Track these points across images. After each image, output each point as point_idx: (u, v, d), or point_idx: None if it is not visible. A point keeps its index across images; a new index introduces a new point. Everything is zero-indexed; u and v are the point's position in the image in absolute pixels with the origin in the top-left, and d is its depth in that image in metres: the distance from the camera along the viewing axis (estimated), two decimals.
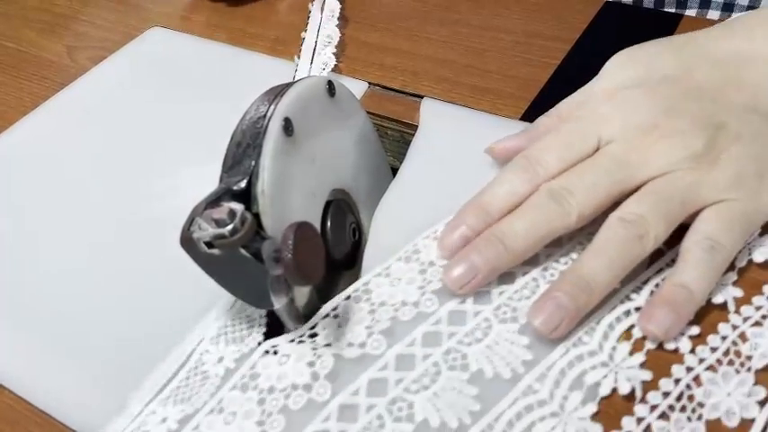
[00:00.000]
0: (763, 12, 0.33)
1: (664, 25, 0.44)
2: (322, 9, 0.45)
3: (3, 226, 0.37)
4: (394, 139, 0.41)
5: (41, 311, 0.33)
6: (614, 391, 0.26)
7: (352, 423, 0.26)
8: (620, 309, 0.28)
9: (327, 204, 0.31)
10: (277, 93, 0.29)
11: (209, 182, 0.27)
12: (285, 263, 0.25)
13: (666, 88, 0.31)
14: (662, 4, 0.57)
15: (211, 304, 0.30)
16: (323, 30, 0.45)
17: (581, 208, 0.28)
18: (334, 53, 0.43)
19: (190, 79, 0.45)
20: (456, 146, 0.36)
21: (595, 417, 0.25)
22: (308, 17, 0.45)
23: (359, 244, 0.33)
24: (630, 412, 0.25)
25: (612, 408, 0.26)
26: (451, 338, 0.28)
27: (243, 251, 0.25)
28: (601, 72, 0.33)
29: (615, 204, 0.29)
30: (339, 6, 0.46)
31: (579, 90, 0.33)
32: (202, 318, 0.30)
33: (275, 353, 0.28)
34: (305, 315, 0.29)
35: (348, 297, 0.29)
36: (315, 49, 0.44)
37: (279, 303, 0.27)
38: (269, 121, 0.28)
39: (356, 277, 0.32)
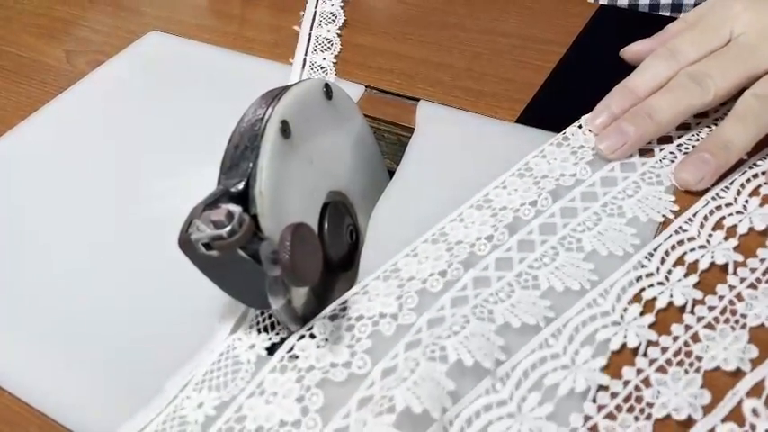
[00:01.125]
0: None
1: (659, 29, 0.45)
2: (315, 12, 0.46)
3: (2, 229, 0.38)
4: (391, 141, 0.42)
5: (40, 313, 0.33)
6: (623, 346, 0.27)
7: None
8: (633, 274, 0.29)
9: (325, 206, 0.32)
10: (274, 96, 0.30)
11: (208, 184, 0.28)
12: (283, 264, 0.25)
13: None
14: (657, 8, 0.58)
15: (212, 305, 0.31)
16: (319, 32, 0.45)
17: (717, 88, 0.33)
18: (333, 60, 0.44)
19: (188, 83, 0.45)
20: (452, 148, 0.36)
21: (605, 370, 0.27)
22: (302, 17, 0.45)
23: (356, 246, 0.34)
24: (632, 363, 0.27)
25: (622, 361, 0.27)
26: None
27: (241, 252, 0.26)
28: None
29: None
30: (341, 11, 0.46)
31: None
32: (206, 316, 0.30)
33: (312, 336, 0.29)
34: (303, 316, 0.29)
35: (327, 316, 0.30)
36: (307, 50, 0.44)
37: (276, 304, 0.27)
38: (266, 123, 0.28)
39: (353, 279, 0.32)
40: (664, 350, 0.27)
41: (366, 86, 0.43)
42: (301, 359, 0.28)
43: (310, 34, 0.46)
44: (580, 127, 0.36)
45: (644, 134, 0.33)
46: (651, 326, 0.28)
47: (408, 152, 0.37)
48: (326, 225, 0.31)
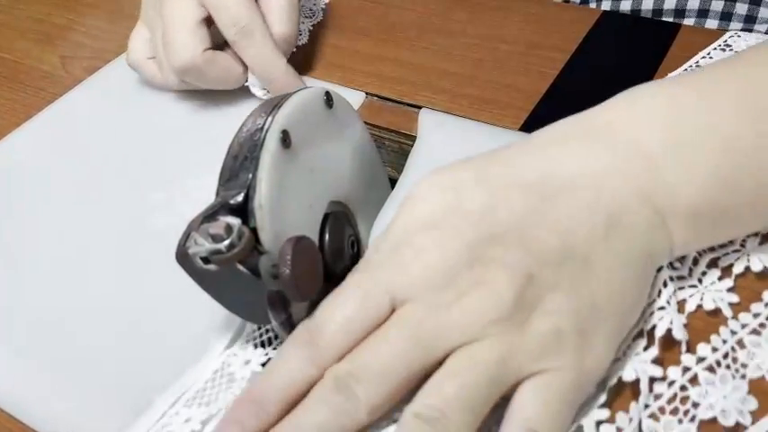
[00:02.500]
0: (573, 120, 0.29)
1: (662, 35, 0.44)
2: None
3: None
4: (392, 149, 0.41)
5: (31, 326, 0.32)
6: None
7: None
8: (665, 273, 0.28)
9: (325, 217, 0.31)
10: (274, 104, 0.29)
11: (206, 193, 0.27)
12: (283, 279, 0.25)
13: (470, 230, 0.25)
14: (660, 13, 0.57)
15: (208, 319, 0.30)
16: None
17: (371, 400, 0.24)
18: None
19: (185, 90, 0.45)
20: (455, 157, 0.36)
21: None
22: None
23: (357, 257, 0.33)
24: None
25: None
26: None
27: (240, 267, 0.25)
28: (403, 201, 0.27)
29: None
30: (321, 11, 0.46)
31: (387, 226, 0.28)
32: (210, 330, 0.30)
33: None
34: None
35: None
36: None
37: (276, 320, 0.27)
38: (266, 133, 0.27)
39: None
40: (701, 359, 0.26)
41: (367, 93, 0.42)
42: None
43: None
44: None
45: None
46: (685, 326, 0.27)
47: (411, 161, 0.36)
48: (327, 236, 0.31)
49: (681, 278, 0.29)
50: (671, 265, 0.28)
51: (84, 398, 0.29)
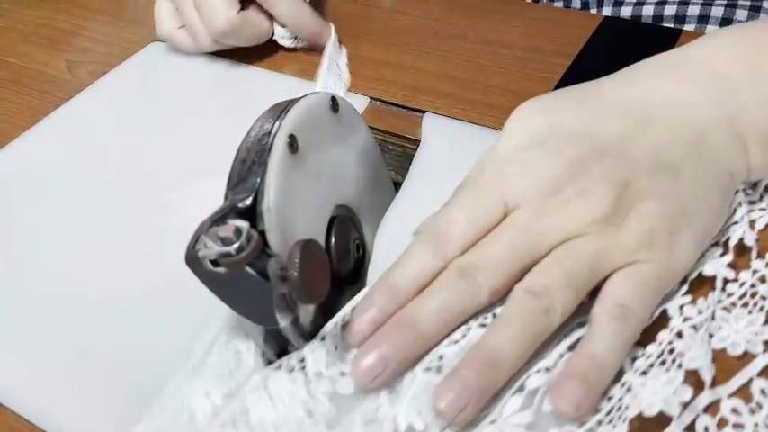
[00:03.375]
0: (662, 58, 0.33)
1: (662, 40, 0.45)
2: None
3: (2, 241, 0.37)
4: (396, 153, 0.41)
5: (42, 328, 0.33)
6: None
7: None
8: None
9: (331, 220, 0.31)
10: (281, 109, 0.29)
11: (211, 197, 0.27)
12: (291, 281, 0.25)
13: (569, 147, 0.29)
14: (660, 20, 0.58)
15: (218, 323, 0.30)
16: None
17: (491, 284, 0.27)
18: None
19: (190, 94, 0.45)
20: (458, 161, 0.36)
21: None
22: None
23: (362, 260, 0.33)
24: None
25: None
26: None
27: (249, 269, 0.25)
28: (504, 128, 0.31)
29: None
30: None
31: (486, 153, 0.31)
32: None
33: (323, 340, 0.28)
34: (310, 333, 0.29)
35: (336, 324, 0.29)
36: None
37: (284, 321, 0.27)
38: (274, 137, 0.28)
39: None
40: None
41: (371, 98, 0.43)
42: (310, 363, 0.28)
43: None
44: None
45: (408, 355, 0.27)
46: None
47: (414, 165, 0.37)
48: (333, 239, 0.31)
49: (752, 202, 0.32)
50: (744, 191, 0.32)
51: (89, 397, 0.30)
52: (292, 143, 0.28)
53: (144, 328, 0.32)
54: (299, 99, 0.30)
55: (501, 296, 0.28)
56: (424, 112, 0.41)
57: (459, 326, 0.28)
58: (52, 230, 0.37)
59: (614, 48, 0.45)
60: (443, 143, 0.38)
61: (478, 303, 0.28)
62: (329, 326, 0.29)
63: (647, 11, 0.60)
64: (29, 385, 0.31)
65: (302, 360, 0.28)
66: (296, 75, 0.46)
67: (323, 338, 0.28)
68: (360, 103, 0.42)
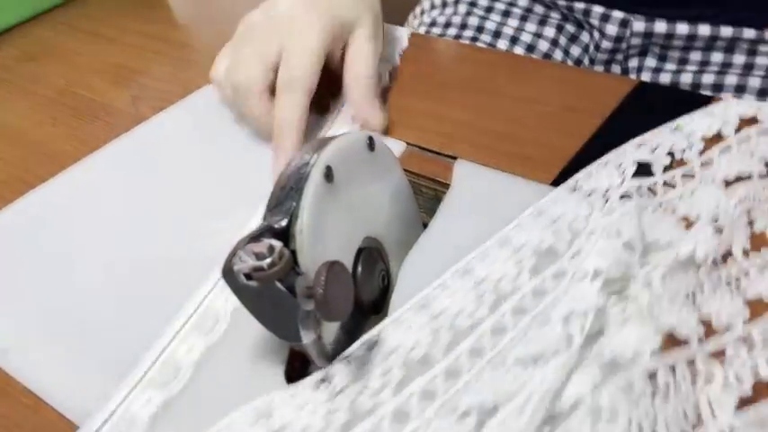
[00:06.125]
0: None
1: (697, 106, 0.46)
2: None
3: (57, 260, 0.40)
4: (428, 196, 0.43)
5: (89, 346, 0.35)
6: None
7: None
8: None
9: (360, 250, 0.33)
10: (321, 143, 0.32)
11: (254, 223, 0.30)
12: (316, 298, 0.27)
13: None
14: (698, 87, 0.59)
15: (257, 344, 0.32)
16: None
17: None
18: None
19: (241, 133, 0.48)
20: (485, 204, 0.38)
21: None
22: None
23: (387, 290, 0.35)
24: None
25: None
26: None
27: (278, 285, 0.27)
28: None
29: None
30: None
31: None
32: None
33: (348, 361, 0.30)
34: (332, 353, 0.31)
35: (363, 344, 0.31)
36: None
37: (307, 338, 0.29)
38: (312, 167, 0.30)
39: None
40: None
41: (407, 143, 0.45)
42: (336, 378, 0.29)
43: None
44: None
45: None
46: None
47: (443, 205, 0.38)
48: (360, 268, 0.33)
49: None
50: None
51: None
52: (328, 173, 0.30)
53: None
54: (338, 136, 0.33)
55: None
56: (456, 158, 0.43)
57: None
58: (103, 253, 0.40)
59: (648, 110, 0.47)
60: (472, 188, 0.40)
61: None
62: (354, 347, 0.30)
63: (686, 78, 0.62)
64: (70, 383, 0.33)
65: (327, 377, 0.29)
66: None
67: (347, 358, 0.30)
68: (397, 147, 0.44)
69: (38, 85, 0.58)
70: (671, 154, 0.39)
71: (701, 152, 0.38)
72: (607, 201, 0.35)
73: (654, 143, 0.40)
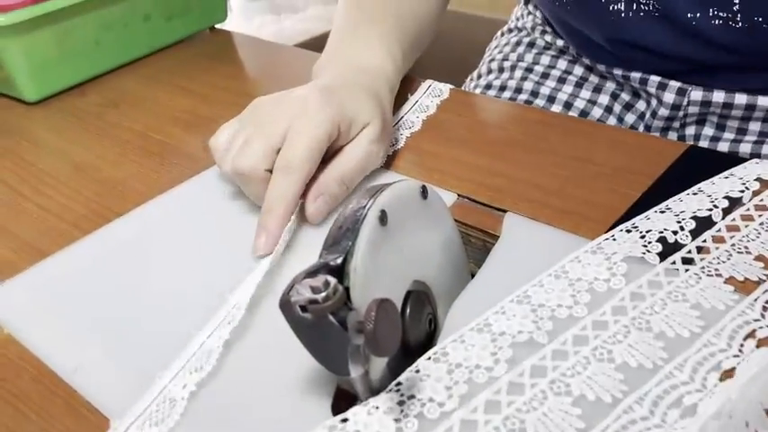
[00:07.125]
0: None
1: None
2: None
3: (128, 282, 0.43)
4: (477, 247, 0.45)
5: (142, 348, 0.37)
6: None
7: None
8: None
9: (409, 293, 0.35)
10: (377, 189, 0.34)
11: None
12: (366, 333, 0.28)
13: None
14: (758, 156, 0.59)
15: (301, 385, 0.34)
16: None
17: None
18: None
19: None
20: (533, 257, 0.39)
21: None
22: None
23: (433, 334, 0.36)
24: None
25: None
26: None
27: (331, 318, 0.29)
28: None
29: None
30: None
31: None
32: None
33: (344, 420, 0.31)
34: (377, 389, 0.32)
35: (429, 358, 0.33)
36: None
37: (355, 372, 0.30)
38: (368, 210, 0.32)
39: None
40: None
41: (458, 195, 0.47)
42: (380, 403, 0.31)
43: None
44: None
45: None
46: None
47: (491, 257, 0.40)
48: (408, 309, 0.34)
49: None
50: None
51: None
52: (382, 217, 0.32)
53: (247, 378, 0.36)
54: (393, 182, 0.35)
55: None
56: (506, 211, 0.44)
57: None
58: (166, 289, 0.43)
59: (696, 173, 0.47)
60: (521, 240, 0.41)
61: None
62: (400, 378, 0.32)
63: (745, 148, 0.62)
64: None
65: (376, 405, 0.31)
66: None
67: (391, 390, 0.31)
68: (448, 197, 0.46)
69: (118, 129, 0.62)
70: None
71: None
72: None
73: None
